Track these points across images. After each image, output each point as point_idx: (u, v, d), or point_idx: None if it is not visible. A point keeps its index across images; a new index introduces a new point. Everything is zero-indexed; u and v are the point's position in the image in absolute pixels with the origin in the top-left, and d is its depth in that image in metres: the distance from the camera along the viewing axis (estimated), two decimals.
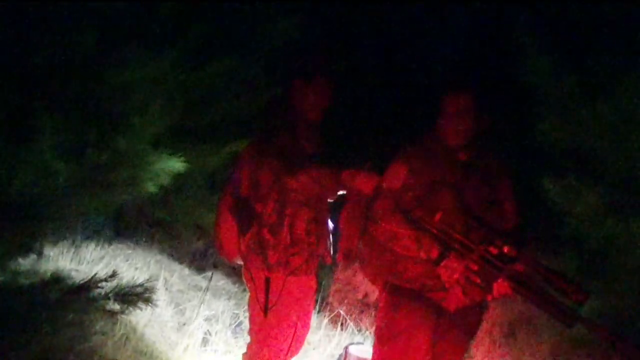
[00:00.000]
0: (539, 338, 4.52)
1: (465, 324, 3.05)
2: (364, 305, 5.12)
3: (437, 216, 2.79)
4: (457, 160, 2.98)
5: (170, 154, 3.53)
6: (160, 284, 4.73)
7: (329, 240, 3.34)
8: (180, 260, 5.62)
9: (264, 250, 3.19)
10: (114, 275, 3.44)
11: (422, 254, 2.85)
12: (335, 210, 3.41)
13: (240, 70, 4.63)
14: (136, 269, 4.94)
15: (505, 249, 2.75)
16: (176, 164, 3.52)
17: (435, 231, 2.80)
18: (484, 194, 2.98)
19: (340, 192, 3.25)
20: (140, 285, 3.47)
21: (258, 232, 3.21)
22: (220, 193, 3.47)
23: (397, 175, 2.91)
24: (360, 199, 3.08)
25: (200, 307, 4.53)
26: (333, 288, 5.25)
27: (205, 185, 5.11)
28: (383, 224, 2.90)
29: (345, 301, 5.15)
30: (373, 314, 4.92)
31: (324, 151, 3.28)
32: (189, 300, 4.81)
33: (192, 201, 5.14)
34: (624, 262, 3.77)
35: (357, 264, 3.29)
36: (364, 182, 3.00)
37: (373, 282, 3.15)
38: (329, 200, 3.32)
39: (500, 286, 2.74)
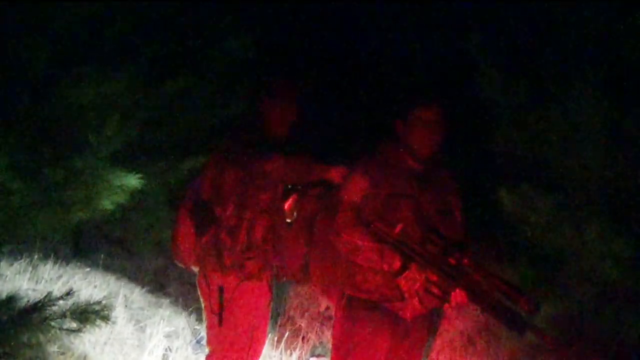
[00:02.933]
0: (498, 346, 4.59)
1: (420, 330, 3.09)
2: (325, 318, 5.14)
3: (398, 228, 2.83)
4: (413, 172, 3.02)
5: (127, 171, 3.53)
6: (119, 302, 4.70)
7: (284, 257, 3.37)
8: (140, 277, 5.58)
9: (220, 252, 3.23)
10: (70, 293, 3.41)
11: (385, 266, 2.89)
12: None
13: (196, 89, 4.69)
14: (95, 287, 4.90)
15: (465, 261, 2.80)
16: (132, 181, 3.51)
17: (396, 243, 2.84)
18: (438, 205, 3.03)
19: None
20: (98, 302, 3.44)
21: (215, 234, 3.25)
22: (182, 197, 3.50)
23: (358, 188, 2.95)
24: (306, 218, 3.16)
25: (160, 323, 4.51)
26: (295, 301, 5.26)
27: (164, 202, 5.11)
28: (345, 237, 2.93)
29: (307, 314, 5.16)
30: None
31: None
32: (149, 317, 4.78)
33: (151, 218, 5.14)
34: (577, 268, 3.86)
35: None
36: (336, 175, 3.06)
37: (327, 293, 3.19)
38: (287, 220, 3.35)
39: (458, 296, 2.80)
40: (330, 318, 5.09)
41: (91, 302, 3.42)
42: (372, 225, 2.85)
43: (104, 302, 3.44)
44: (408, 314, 2.97)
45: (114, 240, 5.64)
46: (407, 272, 2.85)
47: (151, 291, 5.40)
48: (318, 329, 5.04)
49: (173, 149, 4.86)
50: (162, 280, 5.66)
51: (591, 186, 3.75)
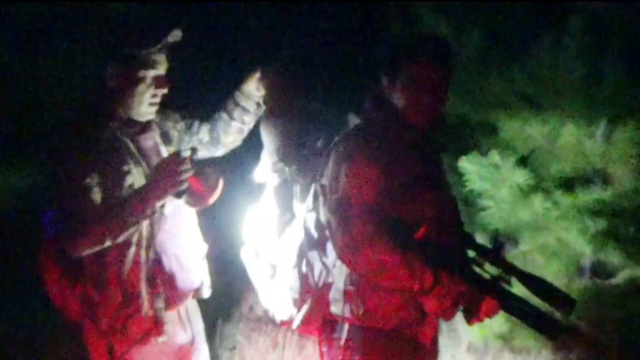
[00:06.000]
0: None
1: (436, 353, 2.39)
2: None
3: (421, 231, 2.07)
4: (414, 146, 2.27)
5: (8, 168, 2.84)
6: None
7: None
8: None
9: (94, 311, 2.29)
10: None
11: (415, 285, 2.11)
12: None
13: (73, 58, 3.90)
14: None
15: (501, 260, 2.15)
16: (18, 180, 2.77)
17: (426, 250, 2.08)
18: (447, 188, 2.36)
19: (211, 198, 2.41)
20: None
21: (84, 287, 2.29)
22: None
23: (367, 179, 2.13)
24: None
25: None
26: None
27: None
28: (367, 253, 2.10)
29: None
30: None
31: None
32: None
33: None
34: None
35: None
36: None
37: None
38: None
39: (488, 306, 2.12)
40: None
41: None
42: (399, 230, 2.07)
43: None
44: (427, 338, 2.25)
45: None
46: (439, 287, 2.10)
47: None
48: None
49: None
50: None
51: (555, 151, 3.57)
